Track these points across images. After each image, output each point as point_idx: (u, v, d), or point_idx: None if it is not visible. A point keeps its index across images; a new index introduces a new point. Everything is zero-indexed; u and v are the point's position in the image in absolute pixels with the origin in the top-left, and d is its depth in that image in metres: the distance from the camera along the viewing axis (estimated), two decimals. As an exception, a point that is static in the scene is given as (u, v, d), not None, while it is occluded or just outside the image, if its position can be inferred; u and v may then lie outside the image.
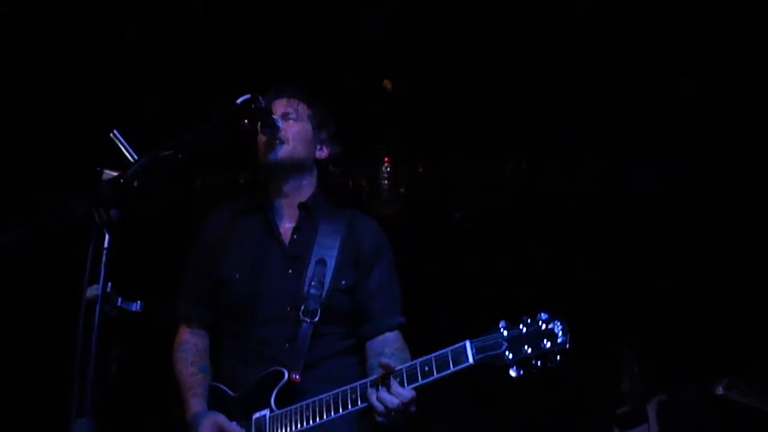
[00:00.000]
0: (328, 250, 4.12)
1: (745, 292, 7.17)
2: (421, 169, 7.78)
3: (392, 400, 3.47)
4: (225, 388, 4.02)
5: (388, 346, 4.05)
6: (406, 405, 3.48)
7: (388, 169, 7.65)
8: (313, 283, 4.02)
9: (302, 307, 3.97)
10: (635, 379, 7.34)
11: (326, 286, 4.03)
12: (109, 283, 2.69)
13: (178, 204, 7.56)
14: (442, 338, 3.50)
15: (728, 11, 6.07)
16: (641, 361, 7.39)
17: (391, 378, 3.51)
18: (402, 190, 7.71)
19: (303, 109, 4.30)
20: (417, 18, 6.34)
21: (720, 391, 6.44)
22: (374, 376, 3.59)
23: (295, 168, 4.25)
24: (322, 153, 4.37)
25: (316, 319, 3.96)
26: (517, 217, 7.95)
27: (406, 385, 3.48)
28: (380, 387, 3.52)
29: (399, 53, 6.67)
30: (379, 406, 3.49)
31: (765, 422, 6.34)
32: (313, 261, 4.09)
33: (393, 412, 3.49)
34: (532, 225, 7.96)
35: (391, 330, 4.14)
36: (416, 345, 3.93)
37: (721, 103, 6.78)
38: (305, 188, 4.31)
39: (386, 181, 7.65)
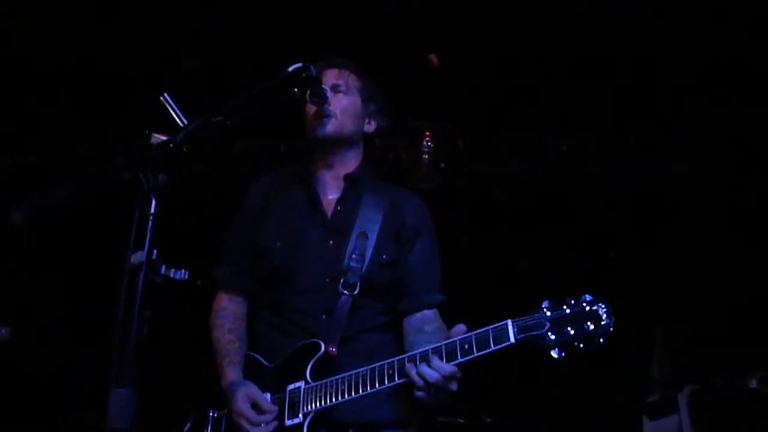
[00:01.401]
0: (370, 223, 4.08)
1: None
2: (461, 145, 7.74)
3: (432, 374, 3.41)
4: (260, 358, 4.01)
5: (427, 324, 3.99)
6: (447, 380, 3.42)
7: (429, 143, 7.61)
8: (353, 255, 3.97)
9: (342, 280, 3.93)
10: (665, 367, 7.31)
11: (367, 260, 3.98)
12: (155, 251, 2.66)
13: (218, 170, 7.56)
14: (481, 317, 3.44)
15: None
16: (672, 349, 7.36)
17: (431, 353, 3.45)
18: (442, 165, 7.67)
19: (353, 81, 4.24)
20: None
21: (754, 384, 6.39)
22: (412, 353, 3.54)
23: (342, 141, 4.19)
24: (371, 127, 4.31)
25: (356, 292, 3.91)
26: (556, 195, 7.92)
27: (444, 361, 3.43)
28: (420, 362, 3.46)
29: (442, 28, 6.63)
30: (419, 381, 3.44)
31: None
32: (354, 233, 4.04)
33: (433, 388, 3.43)
34: (572, 204, 7.92)
35: (429, 308, 4.08)
36: (454, 323, 3.87)
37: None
38: (351, 160, 4.26)
39: (426, 156, 7.61)
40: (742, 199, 7.39)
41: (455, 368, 3.42)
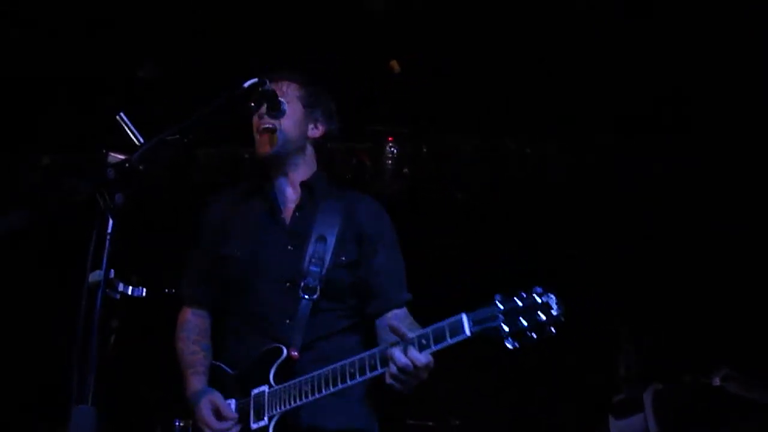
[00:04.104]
0: (328, 227, 4.13)
1: (745, 282, 7.18)
2: (425, 149, 7.76)
3: (407, 363, 3.44)
4: (225, 367, 4.06)
5: (400, 321, 3.94)
6: (420, 369, 3.45)
7: (392, 148, 7.63)
8: (313, 259, 4.03)
9: (302, 284, 3.98)
10: (633, 366, 7.35)
11: (326, 263, 4.04)
12: (112, 270, 2.68)
13: (183, 181, 7.52)
14: (444, 315, 3.48)
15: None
16: (639, 347, 7.41)
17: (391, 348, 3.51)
18: (405, 170, 7.68)
19: (293, 90, 4.28)
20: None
21: (716, 382, 6.44)
22: (366, 353, 3.61)
23: (290, 149, 4.25)
24: (317, 131, 4.36)
25: (316, 295, 3.98)
26: (517, 196, 7.96)
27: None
28: (388, 350, 3.51)
29: (403, 32, 6.65)
30: (394, 368, 3.47)
31: (760, 414, 6.35)
32: (313, 238, 4.09)
33: (405, 375, 3.46)
34: (533, 205, 7.96)
35: (399, 307, 4.14)
36: (418, 322, 3.91)
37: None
38: (302, 166, 4.32)
39: (390, 161, 7.62)
40: (702, 200, 7.45)
41: (430, 358, 3.46)
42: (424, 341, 3.45)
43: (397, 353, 3.47)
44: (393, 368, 3.48)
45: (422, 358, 3.44)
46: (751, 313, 7.11)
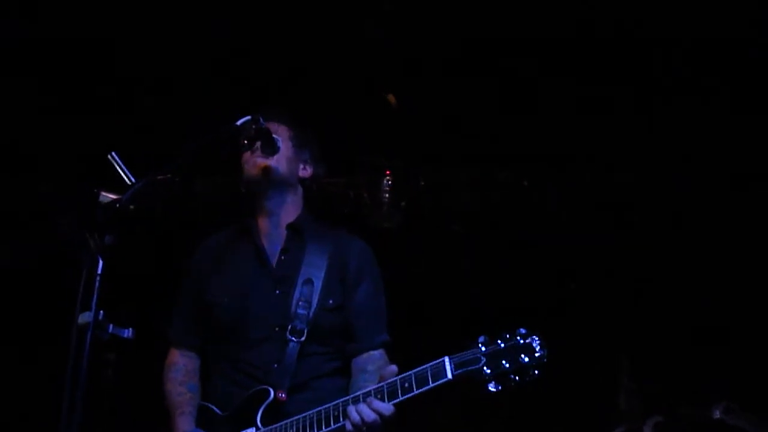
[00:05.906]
0: (315, 270, 4.16)
1: (746, 314, 7.16)
2: (422, 182, 7.75)
3: (370, 415, 3.49)
4: (214, 408, 4.06)
5: (371, 364, 4.07)
6: (385, 420, 3.50)
7: (390, 182, 7.62)
8: (300, 303, 4.06)
9: (289, 327, 4.00)
10: (633, 397, 7.33)
11: (313, 306, 4.06)
12: (101, 311, 2.67)
13: (179, 214, 7.49)
14: (436, 352, 3.49)
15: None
16: (640, 378, 7.39)
17: (372, 394, 3.54)
18: (403, 203, 7.67)
19: (283, 131, 4.33)
20: (415, 25, 6.31)
21: (717, 414, 6.42)
22: (356, 393, 3.62)
23: (279, 186, 4.29)
24: (306, 172, 4.42)
25: (303, 338, 3.99)
26: (515, 229, 7.93)
27: (386, 401, 3.50)
28: (361, 401, 3.54)
29: (399, 64, 6.65)
30: (356, 417, 3.51)
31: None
32: (300, 281, 4.12)
33: (365, 427, 3.50)
34: (532, 237, 7.94)
35: (375, 348, 4.16)
36: (413, 356, 3.91)
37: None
38: (290, 207, 4.35)
39: (387, 194, 7.61)
40: (701, 227, 7.43)
41: (393, 408, 3.50)
42: (406, 384, 3.47)
43: (363, 407, 3.51)
44: (347, 425, 3.53)
45: (386, 407, 3.49)
46: (751, 345, 7.08)
